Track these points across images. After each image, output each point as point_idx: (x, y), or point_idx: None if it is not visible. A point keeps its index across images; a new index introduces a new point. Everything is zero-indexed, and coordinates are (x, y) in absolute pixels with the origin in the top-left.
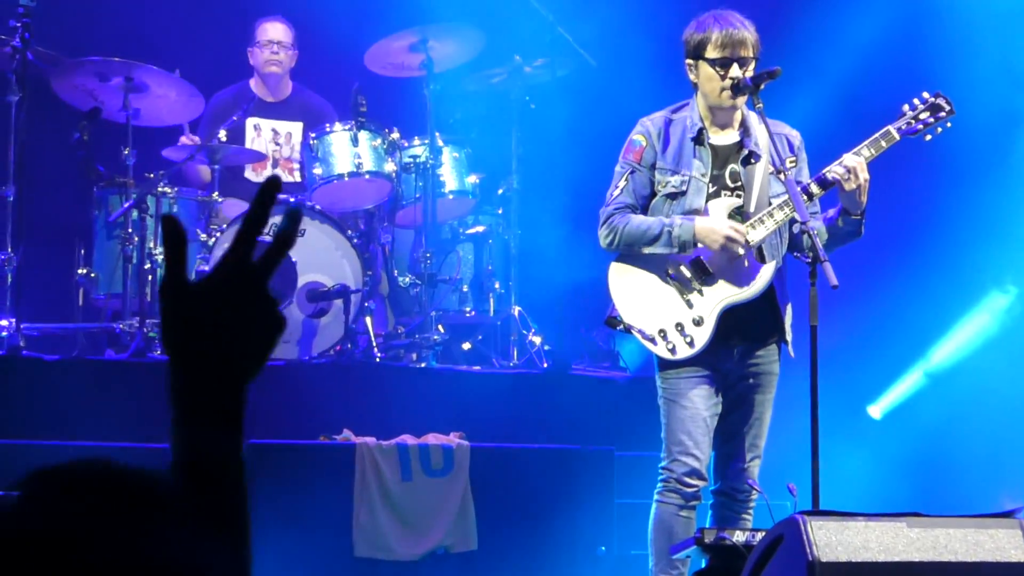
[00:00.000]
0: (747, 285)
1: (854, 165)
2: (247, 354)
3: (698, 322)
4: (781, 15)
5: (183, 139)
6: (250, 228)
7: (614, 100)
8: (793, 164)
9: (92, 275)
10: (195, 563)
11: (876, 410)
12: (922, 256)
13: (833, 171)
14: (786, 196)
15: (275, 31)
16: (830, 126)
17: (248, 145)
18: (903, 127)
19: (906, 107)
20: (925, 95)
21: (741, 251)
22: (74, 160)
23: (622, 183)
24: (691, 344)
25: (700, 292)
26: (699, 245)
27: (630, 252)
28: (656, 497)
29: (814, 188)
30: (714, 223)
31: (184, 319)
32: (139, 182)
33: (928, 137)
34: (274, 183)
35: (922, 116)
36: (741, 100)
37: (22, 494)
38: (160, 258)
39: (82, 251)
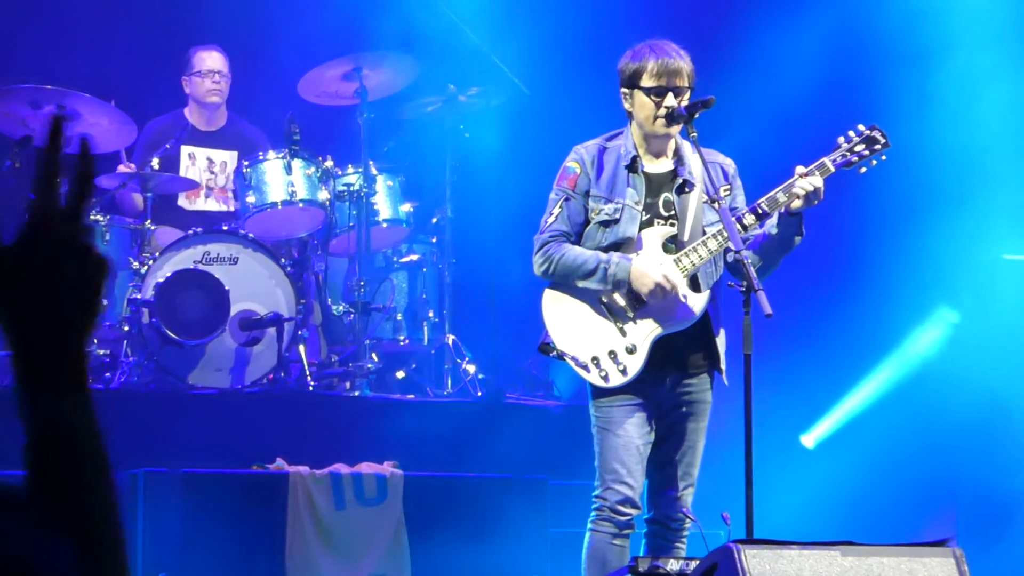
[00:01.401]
0: (680, 314)
1: (818, 185)
2: (76, 305)
3: (631, 350)
4: (717, 45)
5: (121, 167)
6: (47, 173)
7: (548, 129)
8: (727, 193)
9: None
10: (44, 565)
11: (809, 439)
12: (856, 286)
13: (794, 191)
14: (720, 225)
15: (213, 60)
16: (766, 155)
17: (182, 173)
18: (838, 159)
19: (841, 139)
20: (860, 127)
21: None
22: (5, 188)
23: (556, 210)
24: (624, 372)
25: (634, 320)
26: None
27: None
28: (590, 526)
29: (748, 219)
30: (648, 269)
31: (6, 280)
32: None
33: (863, 170)
34: (59, 121)
35: (857, 148)
36: (675, 129)
37: None
38: None
39: None
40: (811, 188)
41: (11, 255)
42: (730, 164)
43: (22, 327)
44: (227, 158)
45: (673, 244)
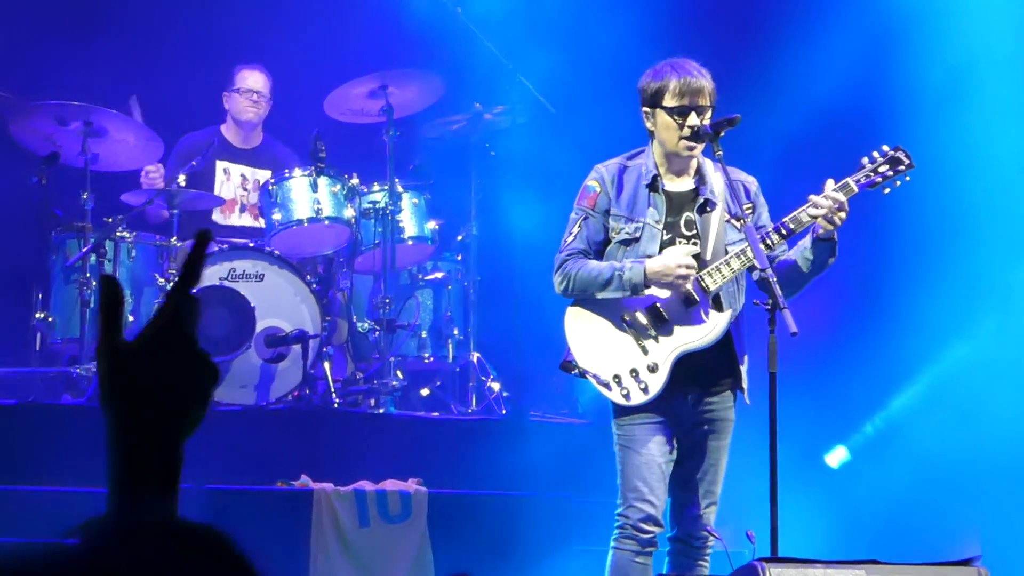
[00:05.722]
0: (703, 333)
1: (842, 199)
2: (185, 408)
3: (653, 368)
4: (740, 64)
5: (148, 168)
6: (185, 282)
7: (573, 147)
8: (749, 211)
9: (49, 319)
10: None
11: (833, 459)
12: (881, 305)
13: (819, 204)
14: (744, 244)
15: (255, 80)
16: (789, 174)
17: (216, 189)
18: (862, 180)
19: (865, 160)
20: (885, 148)
21: (690, 285)
22: (32, 204)
23: (576, 229)
24: (645, 390)
25: (655, 339)
26: (649, 288)
27: (586, 297)
28: (612, 544)
29: (773, 237)
30: (665, 258)
31: (121, 378)
32: (97, 226)
33: (887, 191)
34: (207, 235)
35: (881, 169)
36: (699, 149)
37: (82, 541)
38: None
39: (39, 295)
40: (830, 203)
41: (136, 352)
42: (752, 182)
43: (130, 425)
44: (261, 176)
45: (695, 263)
